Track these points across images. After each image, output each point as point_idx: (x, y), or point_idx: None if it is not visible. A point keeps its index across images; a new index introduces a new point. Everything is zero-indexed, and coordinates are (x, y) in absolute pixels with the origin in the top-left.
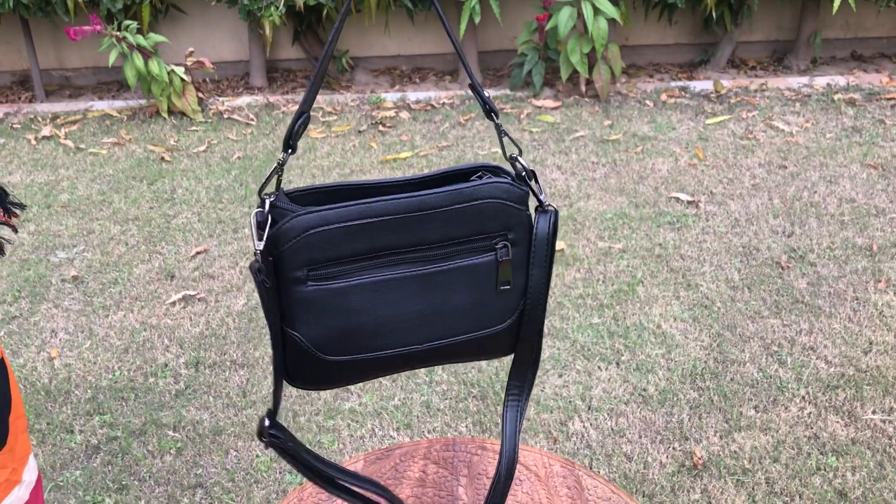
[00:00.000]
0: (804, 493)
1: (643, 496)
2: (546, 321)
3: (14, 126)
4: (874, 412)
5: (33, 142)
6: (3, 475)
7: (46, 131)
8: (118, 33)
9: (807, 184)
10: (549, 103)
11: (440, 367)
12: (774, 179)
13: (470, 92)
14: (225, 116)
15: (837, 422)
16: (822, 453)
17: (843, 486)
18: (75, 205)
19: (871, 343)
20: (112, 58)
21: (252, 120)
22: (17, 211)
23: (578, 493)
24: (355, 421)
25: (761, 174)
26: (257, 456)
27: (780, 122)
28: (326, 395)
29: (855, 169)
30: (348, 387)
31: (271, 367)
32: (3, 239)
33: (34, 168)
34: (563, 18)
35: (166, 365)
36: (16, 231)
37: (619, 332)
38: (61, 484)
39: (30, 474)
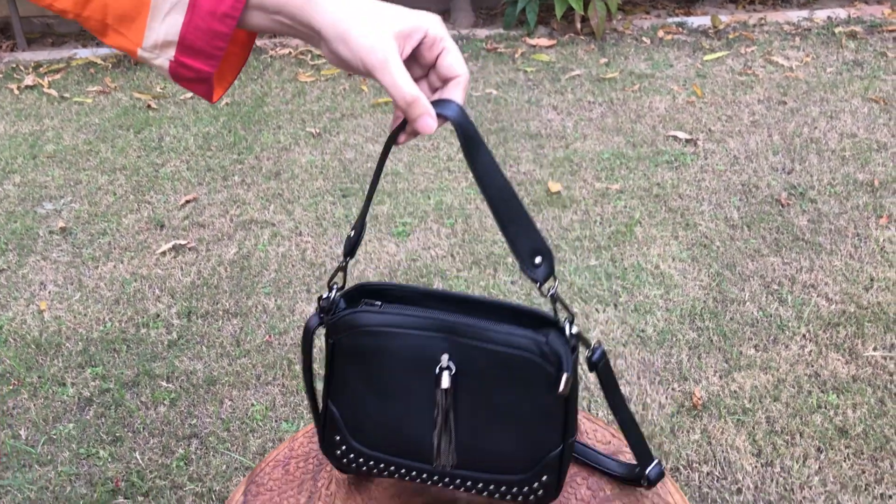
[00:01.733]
0: (805, 431)
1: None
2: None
3: None
4: (875, 349)
5: (16, 91)
6: None
7: (29, 80)
8: None
9: (807, 119)
10: (544, 42)
11: None
12: (774, 116)
13: (462, 33)
14: None
15: (838, 359)
16: (822, 391)
17: (844, 423)
18: (61, 155)
19: (872, 279)
20: None
21: None
22: None
23: (578, 436)
24: None
25: (761, 111)
26: (252, 405)
27: (780, 58)
28: (323, 343)
29: (856, 103)
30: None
31: (265, 318)
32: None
33: (18, 118)
34: None
35: (158, 315)
36: None
37: (616, 273)
38: (54, 437)
39: None
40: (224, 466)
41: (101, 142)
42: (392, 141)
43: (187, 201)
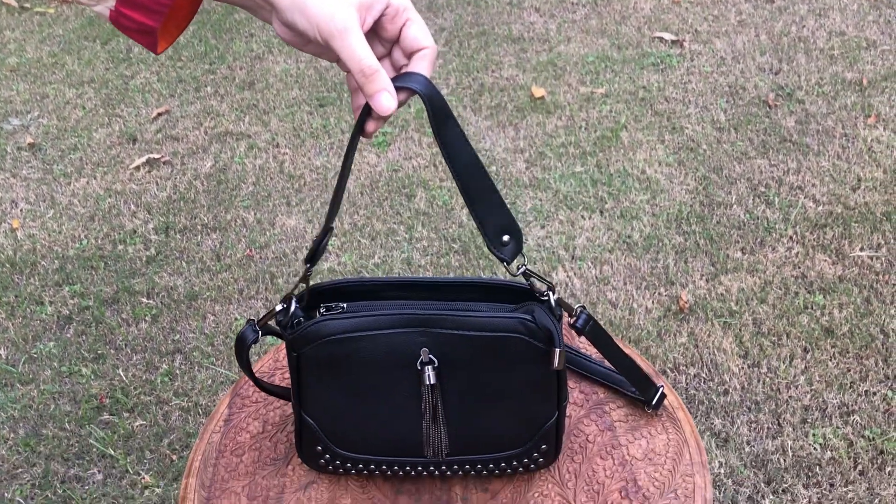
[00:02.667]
0: (791, 331)
1: (629, 341)
2: (527, 172)
3: None
4: (862, 249)
5: None
6: None
7: None
8: None
9: (795, 18)
10: None
11: (420, 225)
12: (761, 14)
13: None
14: None
15: (825, 260)
16: (809, 292)
17: (831, 322)
18: (25, 68)
19: (859, 180)
20: None
21: None
22: None
23: (570, 339)
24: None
25: (748, 9)
26: (235, 319)
27: None
28: (304, 255)
29: (845, 0)
30: (327, 246)
31: (245, 232)
32: None
33: None
34: None
35: (135, 231)
36: None
37: (602, 179)
38: (35, 356)
39: None
40: (209, 381)
41: (67, 54)
42: (359, 132)
43: (159, 114)
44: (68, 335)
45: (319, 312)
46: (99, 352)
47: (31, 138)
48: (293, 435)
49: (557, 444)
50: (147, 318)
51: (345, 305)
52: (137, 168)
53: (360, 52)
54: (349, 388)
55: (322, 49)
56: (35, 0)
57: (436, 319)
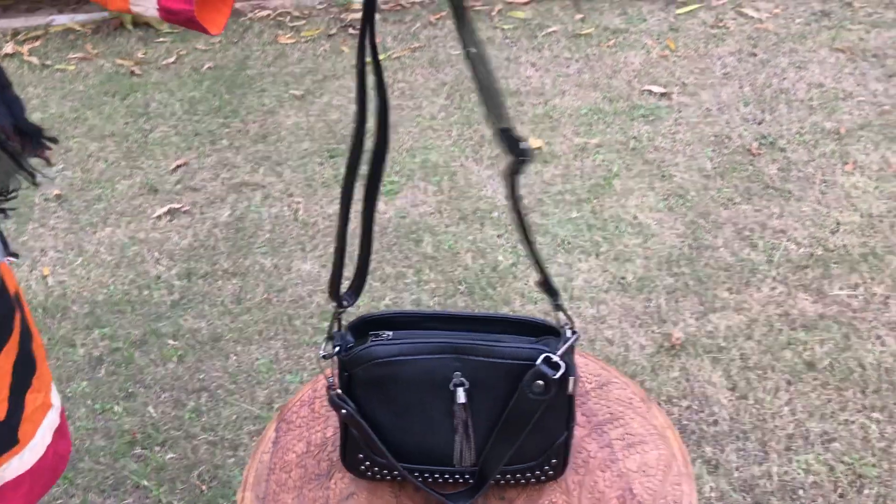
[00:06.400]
0: (776, 365)
1: (625, 376)
2: (528, 219)
3: None
4: (841, 288)
5: None
6: (39, 399)
7: (9, 49)
8: None
9: (776, 70)
10: None
11: (428, 268)
12: (745, 67)
13: None
14: None
15: (806, 299)
16: (792, 329)
17: (812, 357)
18: (49, 123)
19: (838, 223)
20: None
21: None
22: (51, 145)
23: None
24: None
25: (732, 62)
26: (257, 359)
27: (750, 9)
28: (320, 298)
29: (823, 53)
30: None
31: (263, 276)
32: (38, 171)
33: None
34: None
35: (159, 277)
36: (49, 164)
37: (597, 224)
38: (70, 395)
39: (56, 398)
40: (234, 416)
41: (88, 109)
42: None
43: (178, 166)
44: (100, 375)
45: (369, 339)
46: (129, 390)
47: (58, 190)
48: (334, 453)
49: (566, 459)
50: (174, 359)
51: (390, 333)
52: (159, 217)
53: None
54: (391, 404)
55: None
56: (56, 57)
57: (467, 347)
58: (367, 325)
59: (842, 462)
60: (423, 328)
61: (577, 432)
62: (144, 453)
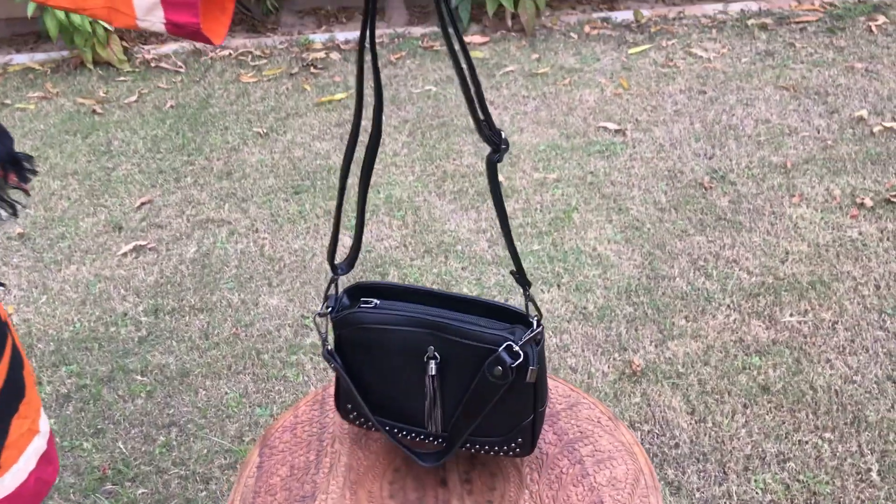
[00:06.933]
0: (732, 390)
1: (593, 397)
2: (490, 251)
3: None
4: (791, 315)
5: None
6: (25, 425)
7: None
8: None
9: (725, 107)
10: (478, 39)
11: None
12: (695, 105)
13: (397, 31)
14: (152, 65)
15: (759, 325)
16: (746, 354)
17: (766, 381)
18: None
19: (787, 253)
20: (30, 10)
21: (181, 67)
22: (30, 176)
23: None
24: (317, 354)
25: (682, 100)
26: (226, 393)
27: (699, 49)
28: (287, 332)
29: (769, 91)
30: (309, 321)
31: (230, 312)
32: (16, 202)
33: None
34: None
35: (125, 314)
36: (28, 195)
37: (558, 256)
38: None
39: (44, 425)
40: (205, 450)
41: (49, 147)
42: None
43: (143, 203)
44: (68, 412)
45: (359, 305)
46: (98, 426)
47: (20, 228)
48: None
49: (533, 440)
50: (142, 395)
51: (378, 302)
52: (125, 255)
53: None
54: (374, 366)
55: None
56: (15, 96)
57: (441, 325)
58: (362, 292)
59: (797, 480)
60: (411, 301)
61: (549, 450)
62: (115, 489)
